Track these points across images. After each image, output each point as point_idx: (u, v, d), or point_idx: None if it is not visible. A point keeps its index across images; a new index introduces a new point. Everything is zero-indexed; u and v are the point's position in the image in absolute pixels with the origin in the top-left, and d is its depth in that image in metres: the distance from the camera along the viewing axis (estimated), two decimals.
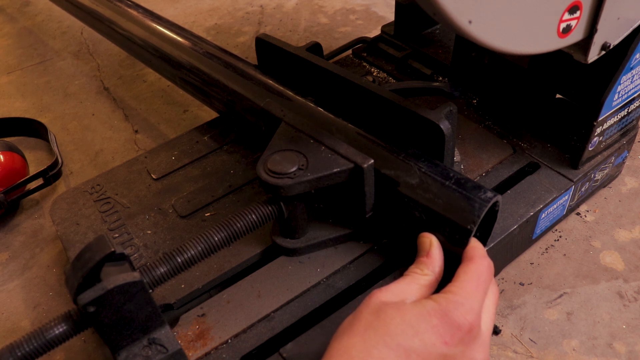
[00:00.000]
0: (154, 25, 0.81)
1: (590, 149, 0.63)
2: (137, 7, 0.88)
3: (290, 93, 0.63)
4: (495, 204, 0.50)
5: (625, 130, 0.67)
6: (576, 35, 0.48)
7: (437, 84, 0.63)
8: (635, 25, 0.52)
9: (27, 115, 0.95)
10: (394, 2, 0.86)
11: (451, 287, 0.44)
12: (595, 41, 0.49)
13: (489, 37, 0.41)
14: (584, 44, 0.50)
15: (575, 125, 0.67)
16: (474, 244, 0.48)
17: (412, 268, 0.48)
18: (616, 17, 0.49)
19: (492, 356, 0.56)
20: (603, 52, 0.51)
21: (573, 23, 0.46)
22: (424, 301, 0.43)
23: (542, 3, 0.42)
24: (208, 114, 0.93)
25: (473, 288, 0.44)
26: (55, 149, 0.84)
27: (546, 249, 0.66)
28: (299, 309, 0.53)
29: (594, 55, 0.51)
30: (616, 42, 0.51)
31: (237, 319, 0.53)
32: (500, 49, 0.43)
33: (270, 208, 0.53)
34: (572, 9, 0.45)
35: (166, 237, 0.62)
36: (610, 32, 0.50)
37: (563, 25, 0.45)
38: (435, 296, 0.44)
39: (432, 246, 0.49)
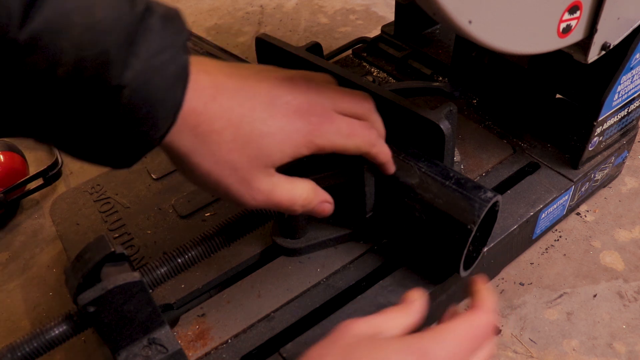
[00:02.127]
0: None
1: (590, 149, 0.63)
2: None
3: None
4: (496, 204, 0.50)
5: (625, 130, 0.67)
6: (576, 35, 0.48)
7: (437, 84, 0.64)
8: (635, 25, 0.51)
9: None
10: (394, 2, 0.86)
11: (441, 325, 0.41)
12: (595, 41, 0.49)
13: (489, 37, 0.41)
14: (584, 44, 0.50)
15: (575, 125, 0.67)
16: (486, 295, 0.44)
17: (393, 307, 0.44)
18: (616, 17, 0.49)
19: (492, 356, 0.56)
20: (603, 52, 0.51)
21: (573, 23, 0.46)
22: (405, 337, 0.40)
23: (542, 3, 0.42)
24: None
25: (462, 334, 0.40)
26: (55, 149, 0.84)
27: (546, 249, 0.66)
28: (299, 309, 0.53)
29: (594, 55, 0.51)
30: (616, 42, 0.51)
31: (237, 319, 0.53)
32: (500, 49, 0.43)
33: None
34: (572, 9, 0.45)
35: (166, 237, 0.62)
36: (610, 32, 0.50)
37: (563, 25, 0.45)
38: (419, 333, 0.40)
39: (418, 296, 0.45)
